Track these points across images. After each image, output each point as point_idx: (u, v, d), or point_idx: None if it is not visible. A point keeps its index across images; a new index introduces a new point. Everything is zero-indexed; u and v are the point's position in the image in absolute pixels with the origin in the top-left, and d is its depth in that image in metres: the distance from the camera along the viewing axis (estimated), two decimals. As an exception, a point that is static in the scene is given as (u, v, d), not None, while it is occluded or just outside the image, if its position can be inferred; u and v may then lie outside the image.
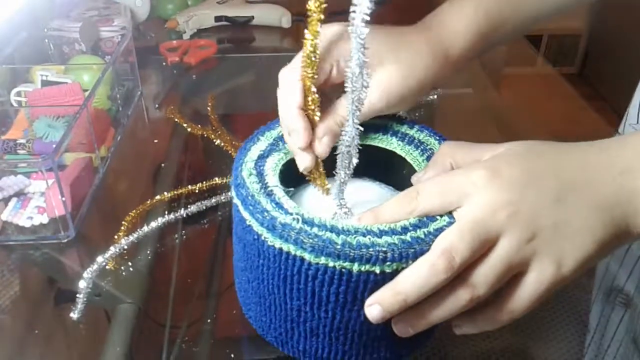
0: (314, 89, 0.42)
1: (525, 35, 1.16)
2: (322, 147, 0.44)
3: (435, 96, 0.87)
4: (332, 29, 0.45)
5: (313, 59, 0.40)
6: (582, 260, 0.37)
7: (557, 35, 2.69)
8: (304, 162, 0.44)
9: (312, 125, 0.44)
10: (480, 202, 0.36)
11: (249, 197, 0.41)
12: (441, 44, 0.48)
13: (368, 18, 0.33)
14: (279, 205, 0.41)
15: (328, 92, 0.47)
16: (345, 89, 0.37)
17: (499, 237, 0.36)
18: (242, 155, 0.46)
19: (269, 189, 0.43)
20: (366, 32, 0.33)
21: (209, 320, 0.52)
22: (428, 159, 0.47)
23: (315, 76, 0.41)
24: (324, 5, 0.38)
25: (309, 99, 0.42)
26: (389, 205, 0.40)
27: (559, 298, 0.53)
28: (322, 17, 0.38)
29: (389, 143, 0.49)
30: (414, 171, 0.46)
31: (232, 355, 0.49)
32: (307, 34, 0.39)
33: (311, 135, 0.43)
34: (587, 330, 0.51)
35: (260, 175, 0.44)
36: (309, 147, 0.44)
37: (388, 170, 0.50)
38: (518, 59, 1.11)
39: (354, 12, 0.33)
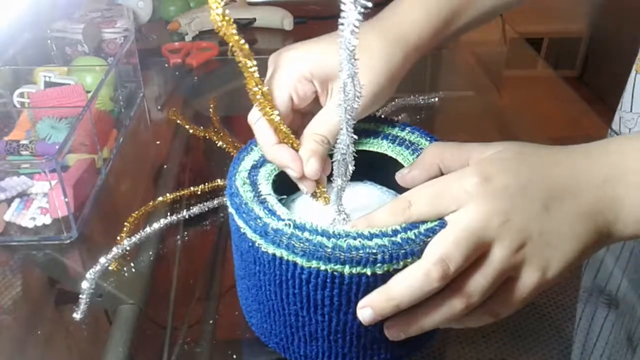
0: (279, 121, 0.42)
1: (526, 38, 1.17)
2: (310, 169, 0.44)
3: (437, 99, 0.88)
4: (276, 61, 0.46)
5: (262, 99, 0.41)
6: (566, 265, 0.38)
7: (558, 38, 2.69)
8: (306, 188, 0.45)
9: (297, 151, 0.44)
10: (474, 210, 0.37)
11: (243, 205, 0.42)
12: (399, 36, 0.47)
13: (357, 30, 0.33)
14: (271, 212, 0.41)
15: (305, 111, 0.47)
16: (339, 99, 0.37)
17: (491, 245, 0.37)
18: (236, 165, 0.47)
19: (262, 197, 0.43)
20: (356, 43, 0.33)
21: (211, 322, 0.52)
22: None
23: (276, 111, 0.42)
24: (248, 51, 0.39)
25: (280, 130, 0.43)
26: (381, 214, 0.40)
27: (558, 298, 0.53)
28: (253, 59, 0.39)
29: (380, 146, 0.50)
30: None
31: (233, 357, 0.49)
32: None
33: (301, 166, 0.44)
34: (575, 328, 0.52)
35: (254, 184, 0.45)
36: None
37: (385, 175, 0.50)
38: (519, 61, 1.11)
39: (342, 24, 0.33)
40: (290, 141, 0.44)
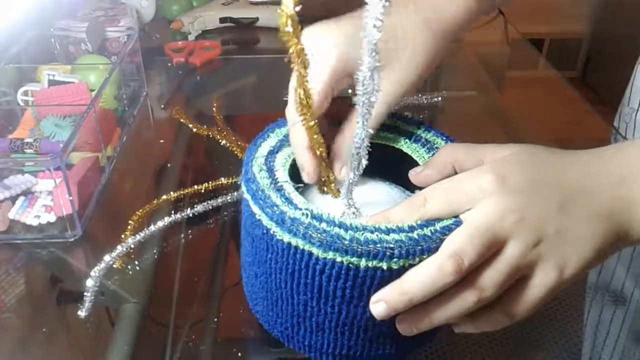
0: (316, 130, 0.42)
1: (527, 38, 1.17)
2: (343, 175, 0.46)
3: (440, 99, 0.88)
4: (316, 48, 0.45)
5: (305, 106, 0.41)
6: (582, 265, 0.38)
7: (559, 39, 2.70)
8: (316, 186, 0.47)
9: (323, 159, 0.45)
10: (489, 207, 0.37)
11: (259, 192, 0.42)
12: (442, 28, 0.49)
13: (381, 23, 0.33)
14: (288, 200, 0.41)
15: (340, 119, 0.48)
16: (357, 92, 0.37)
17: (505, 242, 0.37)
18: (253, 151, 0.47)
19: (279, 184, 0.43)
20: (378, 37, 0.34)
21: (215, 319, 0.52)
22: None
23: (315, 120, 0.42)
24: (307, 61, 0.37)
25: (314, 138, 0.43)
26: (398, 211, 0.40)
27: (565, 296, 0.53)
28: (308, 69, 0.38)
29: (396, 141, 0.50)
30: None
31: (238, 355, 0.49)
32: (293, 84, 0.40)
33: (319, 174, 0.45)
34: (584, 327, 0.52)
35: (270, 170, 0.45)
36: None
37: (398, 170, 0.50)
38: (521, 62, 1.12)
39: (366, 17, 0.33)
40: (321, 149, 0.44)
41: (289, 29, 0.35)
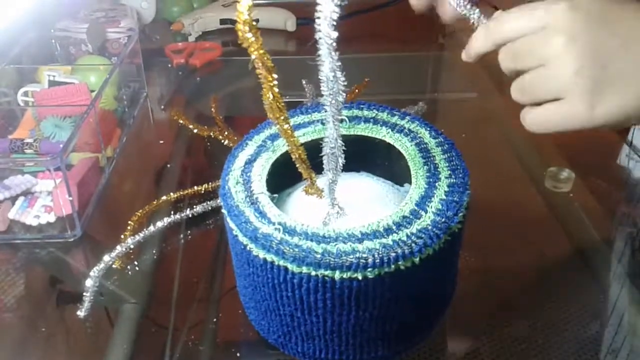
0: (292, 132, 0.42)
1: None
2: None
3: (423, 103, 0.85)
4: None
5: (277, 111, 0.39)
6: (621, 106, 0.40)
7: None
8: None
9: (302, 161, 0.44)
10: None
11: (234, 207, 0.42)
12: None
13: (335, 23, 0.33)
14: (262, 215, 0.41)
15: None
16: (322, 92, 0.37)
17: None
18: (230, 164, 0.47)
19: (254, 196, 0.43)
20: (335, 36, 0.33)
21: (214, 321, 0.52)
22: (417, 145, 0.47)
23: (290, 123, 0.41)
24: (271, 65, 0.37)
25: (291, 141, 0.42)
26: (477, 37, 0.47)
27: (559, 287, 0.53)
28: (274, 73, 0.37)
29: (378, 132, 0.49)
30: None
31: (235, 357, 0.49)
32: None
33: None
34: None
35: (247, 182, 0.44)
36: None
37: (385, 161, 0.50)
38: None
39: (318, 17, 0.33)
40: (299, 151, 0.44)
41: (249, 35, 0.34)
